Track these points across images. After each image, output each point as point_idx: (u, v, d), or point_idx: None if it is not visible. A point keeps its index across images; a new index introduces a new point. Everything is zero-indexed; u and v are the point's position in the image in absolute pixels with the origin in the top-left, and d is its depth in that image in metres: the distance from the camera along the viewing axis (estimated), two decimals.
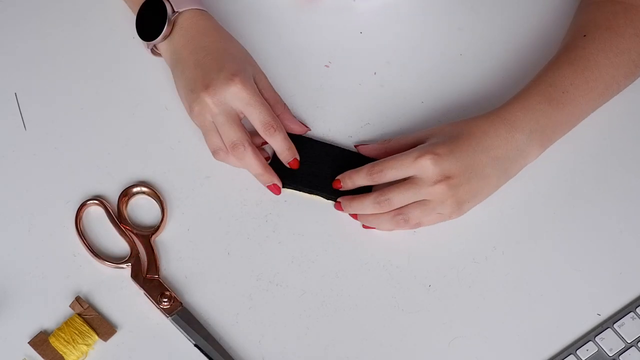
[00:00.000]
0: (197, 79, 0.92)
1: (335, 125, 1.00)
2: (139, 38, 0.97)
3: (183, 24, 0.95)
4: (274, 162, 0.96)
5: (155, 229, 0.93)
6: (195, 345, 0.88)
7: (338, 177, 0.94)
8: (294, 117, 0.98)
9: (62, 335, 0.87)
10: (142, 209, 0.95)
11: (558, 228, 0.95)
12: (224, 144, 0.93)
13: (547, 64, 0.96)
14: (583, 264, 0.94)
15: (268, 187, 0.94)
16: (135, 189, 0.95)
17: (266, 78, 0.97)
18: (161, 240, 0.93)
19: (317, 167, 0.96)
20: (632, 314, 0.91)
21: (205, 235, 0.94)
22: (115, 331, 0.89)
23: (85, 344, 0.87)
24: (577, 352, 0.89)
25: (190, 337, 0.88)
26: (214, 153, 0.94)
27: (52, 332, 0.88)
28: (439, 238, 0.94)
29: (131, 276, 0.90)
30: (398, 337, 0.90)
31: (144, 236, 0.92)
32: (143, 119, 0.99)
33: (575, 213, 0.96)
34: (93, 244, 0.92)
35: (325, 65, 1.04)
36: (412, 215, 0.91)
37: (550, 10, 1.07)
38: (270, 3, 1.05)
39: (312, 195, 0.95)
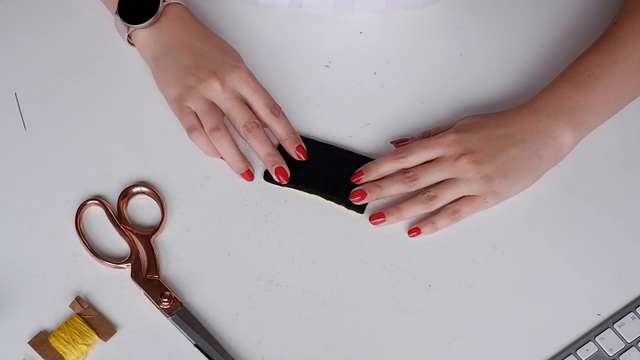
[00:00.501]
0: (200, 65, 0.94)
1: (335, 125, 1.00)
2: (117, 23, 0.98)
3: (172, 15, 0.96)
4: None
5: (155, 229, 0.93)
6: (195, 345, 0.88)
7: (359, 169, 0.93)
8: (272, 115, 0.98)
9: (62, 335, 0.87)
10: (142, 209, 0.95)
11: (558, 228, 0.95)
12: (224, 124, 0.94)
13: None
14: (583, 264, 0.94)
15: (276, 170, 0.94)
16: (135, 189, 0.95)
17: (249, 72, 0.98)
18: (161, 240, 0.93)
19: (318, 167, 0.96)
20: (632, 314, 0.91)
21: (205, 235, 0.94)
22: (115, 331, 0.89)
23: (85, 344, 0.87)
24: (577, 352, 0.89)
25: (190, 337, 0.88)
26: (213, 131, 0.93)
27: (52, 332, 0.88)
28: (439, 238, 0.94)
29: (131, 276, 0.90)
30: (398, 337, 0.90)
31: (144, 236, 0.92)
32: (143, 119, 0.99)
33: (575, 213, 0.96)
34: (93, 244, 0.92)
35: (325, 65, 1.04)
36: (439, 193, 0.91)
37: (550, 10, 1.07)
38: (270, 3, 1.05)
39: (312, 195, 0.95)
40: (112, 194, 0.95)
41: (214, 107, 0.94)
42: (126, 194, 0.94)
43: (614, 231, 0.95)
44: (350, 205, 0.94)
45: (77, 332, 0.87)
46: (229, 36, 1.03)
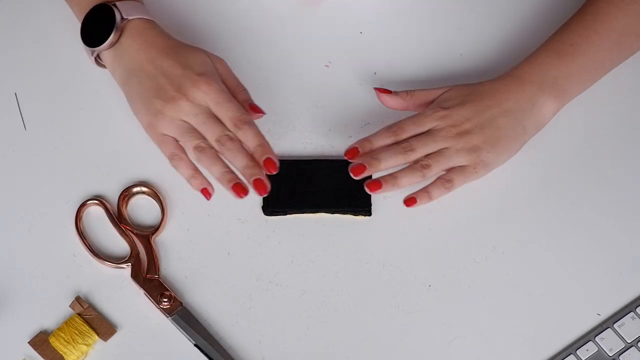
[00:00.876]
0: (163, 85, 0.90)
1: (335, 125, 1.00)
2: (83, 45, 0.94)
3: (132, 31, 0.93)
4: (272, 193, 0.93)
5: (155, 229, 0.93)
6: (195, 345, 0.88)
7: (353, 145, 0.91)
8: (253, 102, 0.94)
9: (62, 335, 0.87)
10: (142, 209, 0.95)
11: (558, 228, 0.95)
12: (206, 140, 0.89)
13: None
14: (583, 264, 0.94)
15: (254, 182, 0.88)
16: (135, 189, 0.95)
17: (226, 64, 0.94)
18: (161, 240, 0.93)
19: (313, 184, 0.95)
20: (632, 314, 0.91)
21: (205, 235, 0.94)
22: (115, 331, 0.89)
23: (85, 344, 0.87)
24: (577, 352, 0.89)
25: (190, 337, 0.88)
26: (197, 150, 0.89)
27: (52, 332, 0.88)
28: (439, 238, 0.94)
29: (131, 276, 0.90)
30: (398, 337, 0.90)
31: (144, 236, 0.92)
32: None
33: (575, 213, 0.96)
34: (93, 244, 0.92)
35: (325, 65, 1.04)
36: (432, 162, 0.90)
37: (551, 10, 1.07)
38: (270, 3, 1.05)
39: (318, 214, 0.95)
40: (112, 194, 0.95)
41: (189, 127, 0.90)
42: (126, 194, 0.94)
43: (614, 231, 0.95)
44: (356, 212, 0.94)
45: (77, 332, 0.87)
46: (229, 37, 1.03)
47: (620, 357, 0.90)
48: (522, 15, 1.07)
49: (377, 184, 0.91)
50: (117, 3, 0.93)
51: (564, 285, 0.92)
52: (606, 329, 0.91)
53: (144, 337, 0.89)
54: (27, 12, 1.05)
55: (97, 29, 0.93)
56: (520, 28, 1.07)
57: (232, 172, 0.89)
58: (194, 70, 0.90)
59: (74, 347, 0.87)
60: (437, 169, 0.91)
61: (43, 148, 0.97)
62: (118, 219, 0.93)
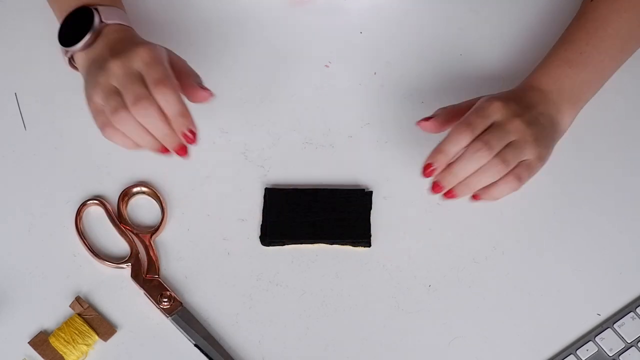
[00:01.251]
0: (108, 58, 0.86)
1: (335, 125, 1.00)
2: (59, 46, 0.92)
3: (108, 35, 0.90)
4: (270, 222, 0.93)
5: (155, 229, 0.93)
6: (196, 345, 0.88)
7: (428, 161, 0.86)
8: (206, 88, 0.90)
9: (62, 335, 0.87)
10: (142, 209, 0.95)
11: (558, 228, 0.95)
12: (121, 105, 0.84)
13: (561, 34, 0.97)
14: (583, 264, 0.94)
15: (175, 150, 0.85)
16: (135, 189, 0.95)
17: (179, 57, 0.91)
18: (161, 240, 0.93)
19: (311, 215, 0.94)
20: (632, 314, 0.91)
21: (205, 235, 0.94)
22: (115, 331, 0.89)
23: (85, 344, 0.87)
24: (577, 352, 0.89)
25: (190, 337, 0.88)
26: (114, 113, 0.84)
27: (52, 332, 0.88)
28: (439, 238, 0.94)
29: (131, 276, 0.90)
30: (398, 337, 0.90)
31: (143, 236, 0.92)
32: None
33: (575, 213, 0.96)
34: (93, 244, 0.92)
35: (325, 65, 1.04)
36: (508, 157, 0.86)
37: (551, 10, 1.07)
38: (269, 3, 1.05)
39: (315, 244, 0.94)
40: (112, 194, 0.95)
41: (113, 89, 0.85)
42: (126, 194, 0.95)
43: (614, 232, 0.95)
44: (356, 243, 0.94)
45: (77, 332, 0.87)
46: (228, 37, 1.03)
47: (620, 357, 0.90)
48: (522, 16, 1.07)
49: (451, 193, 0.87)
50: (99, 7, 0.91)
51: (564, 285, 0.92)
52: (606, 329, 0.91)
53: (144, 337, 0.89)
54: (28, 12, 1.05)
55: (74, 30, 0.91)
56: (520, 28, 1.07)
57: (148, 134, 0.85)
58: (139, 41, 0.88)
59: (74, 347, 0.87)
60: (512, 164, 0.87)
61: (43, 148, 0.97)
62: (118, 219, 0.93)
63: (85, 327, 0.87)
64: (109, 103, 0.84)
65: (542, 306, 0.92)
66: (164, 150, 0.85)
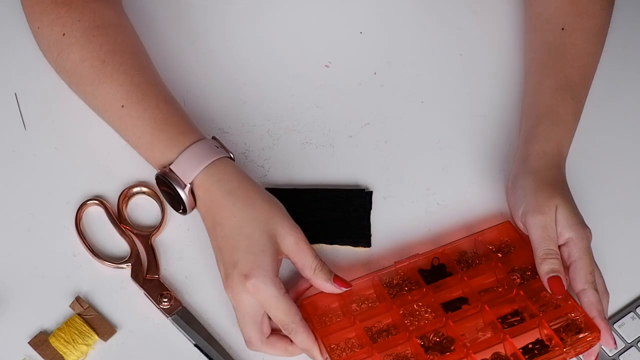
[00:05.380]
0: (220, 266, 0.86)
1: (335, 125, 1.00)
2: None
3: (199, 193, 0.87)
4: None
5: (155, 229, 0.93)
6: (196, 345, 0.88)
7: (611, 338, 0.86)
8: (329, 278, 0.86)
9: (62, 335, 0.87)
10: (142, 209, 0.95)
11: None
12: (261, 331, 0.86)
13: (533, 92, 0.98)
14: None
15: None
16: (135, 189, 0.95)
17: (296, 239, 0.86)
18: (161, 240, 0.93)
19: (312, 215, 0.94)
20: (632, 314, 0.91)
21: (206, 235, 0.93)
22: (115, 331, 0.89)
23: (85, 344, 0.87)
24: None
25: (190, 337, 0.88)
26: (250, 343, 0.87)
27: (52, 332, 0.88)
28: (439, 238, 0.94)
29: (131, 276, 0.90)
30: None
31: (143, 236, 0.92)
32: None
33: None
34: (93, 244, 0.92)
35: (325, 65, 1.04)
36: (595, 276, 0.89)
37: None
38: (269, 3, 1.05)
39: (316, 244, 0.93)
40: (112, 194, 0.95)
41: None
42: (126, 194, 0.94)
43: (614, 231, 0.95)
44: (356, 243, 0.93)
45: (77, 332, 0.87)
46: (228, 37, 1.03)
47: (620, 357, 0.90)
48: (522, 16, 1.07)
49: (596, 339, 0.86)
50: (172, 166, 0.87)
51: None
52: None
53: (144, 337, 0.89)
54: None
55: (171, 194, 0.89)
56: (520, 28, 1.07)
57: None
58: (242, 270, 0.84)
59: (74, 347, 0.87)
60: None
61: (43, 148, 0.97)
62: (118, 219, 0.93)
63: (85, 327, 0.87)
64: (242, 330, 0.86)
65: None
66: None
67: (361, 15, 1.06)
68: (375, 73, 1.03)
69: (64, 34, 0.91)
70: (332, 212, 0.94)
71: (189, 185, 0.87)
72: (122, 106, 0.90)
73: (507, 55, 1.05)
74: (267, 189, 0.94)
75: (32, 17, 0.94)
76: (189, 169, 0.87)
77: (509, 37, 1.06)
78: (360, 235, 0.93)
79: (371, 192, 0.96)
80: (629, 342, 0.90)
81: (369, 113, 1.01)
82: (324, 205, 0.94)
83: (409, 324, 0.86)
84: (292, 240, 0.85)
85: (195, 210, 0.89)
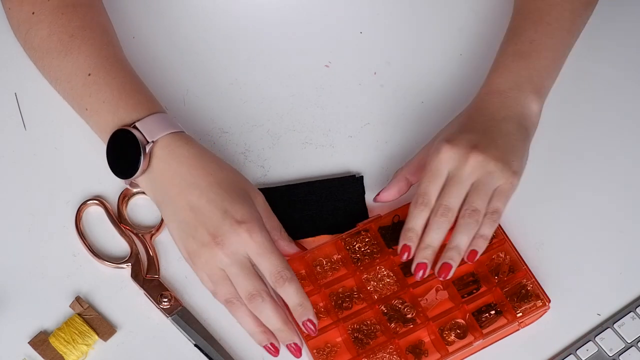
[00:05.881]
0: (198, 225, 0.84)
1: (336, 125, 1.00)
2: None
3: (161, 154, 0.87)
4: None
5: (155, 229, 0.93)
6: (196, 345, 0.88)
7: (402, 243, 0.86)
8: (291, 240, 0.90)
9: (62, 335, 0.87)
10: (142, 209, 0.95)
11: (558, 228, 0.95)
12: (238, 294, 0.85)
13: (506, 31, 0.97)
14: (583, 264, 0.94)
15: (287, 346, 0.85)
16: (135, 189, 0.95)
17: (263, 199, 0.89)
18: (162, 240, 0.93)
19: (309, 209, 0.94)
20: (632, 314, 0.91)
21: None
22: (115, 331, 0.89)
23: (85, 344, 0.87)
24: (577, 352, 0.89)
25: (190, 337, 0.88)
26: (227, 303, 0.86)
27: (52, 332, 0.88)
28: None
29: (131, 276, 0.90)
30: None
31: (143, 236, 0.92)
32: None
33: (575, 213, 0.96)
34: (93, 244, 0.92)
35: (325, 65, 1.04)
36: (476, 205, 0.85)
37: None
38: (269, 3, 1.05)
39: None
40: (112, 194, 0.95)
41: (222, 275, 0.85)
42: (126, 194, 0.94)
43: (614, 231, 0.95)
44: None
45: (77, 332, 0.87)
46: (228, 37, 1.03)
47: (620, 357, 0.90)
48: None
49: (447, 267, 0.85)
50: (138, 124, 0.88)
51: (564, 285, 0.92)
52: (606, 329, 0.91)
53: (144, 337, 0.89)
54: None
55: (123, 155, 0.88)
56: None
57: (264, 330, 0.86)
58: (234, 217, 0.84)
59: (74, 347, 0.87)
60: (483, 207, 0.86)
61: (43, 148, 0.97)
62: (118, 219, 0.93)
63: (85, 327, 0.87)
64: (221, 292, 0.85)
65: None
66: (275, 350, 0.86)
67: (361, 15, 1.06)
68: (375, 73, 1.03)
69: (33, 13, 0.93)
70: (328, 202, 0.94)
71: (151, 143, 0.87)
72: (89, 74, 0.91)
73: None
74: (260, 189, 0.93)
75: None
76: (155, 129, 0.88)
77: None
78: (359, 220, 0.93)
79: (362, 177, 0.96)
80: (629, 342, 0.90)
81: (369, 113, 1.01)
82: (318, 197, 0.95)
83: (371, 290, 0.90)
84: (262, 200, 0.88)
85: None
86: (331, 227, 0.93)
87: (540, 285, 0.89)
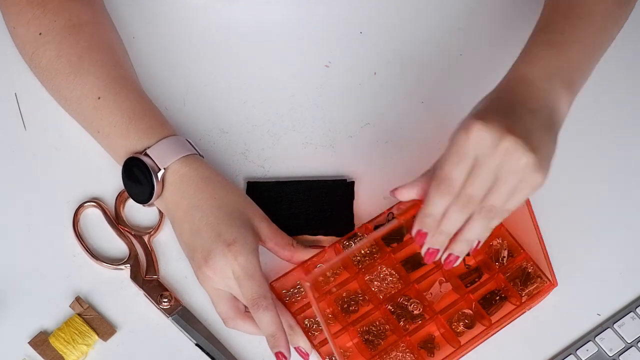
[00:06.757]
0: (196, 248, 0.86)
1: (335, 125, 1.00)
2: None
3: (172, 180, 0.89)
4: None
5: (153, 229, 0.93)
6: (197, 345, 0.88)
7: (417, 228, 0.81)
8: (306, 246, 0.90)
9: (62, 335, 0.87)
10: (140, 209, 0.95)
11: (558, 228, 0.95)
12: (237, 307, 0.87)
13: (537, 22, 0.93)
14: (583, 264, 0.94)
15: (275, 353, 0.85)
16: None
17: (268, 223, 0.89)
18: (162, 240, 0.93)
19: (294, 207, 0.94)
20: (632, 314, 0.91)
21: None
22: (115, 331, 0.89)
23: (85, 344, 0.87)
24: (577, 352, 0.89)
25: (191, 336, 0.88)
26: (225, 321, 0.88)
27: (52, 332, 0.88)
28: None
29: (130, 277, 0.90)
30: None
31: (142, 237, 0.92)
32: None
33: (575, 212, 0.96)
34: (92, 246, 0.92)
35: (325, 65, 1.04)
36: (497, 200, 0.79)
37: None
38: (269, 3, 1.05)
39: (300, 236, 0.93)
40: (110, 195, 0.95)
41: (220, 294, 0.87)
42: (124, 195, 0.94)
43: (614, 231, 0.95)
44: (339, 233, 0.93)
45: (77, 332, 0.87)
46: (228, 37, 1.03)
47: (620, 357, 0.90)
48: (521, 16, 1.07)
49: (452, 258, 0.83)
50: (149, 150, 0.88)
51: (564, 285, 0.92)
52: (606, 329, 0.91)
53: (144, 337, 0.89)
54: None
55: (137, 180, 0.89)
56: (519, 28, 1.07)
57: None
58: (226, 239, 0.85)
59: (74, 347, 0.87)
60: (503, 203, 0.80)
61: (43, 148, 0.97)
62: (116, 220, 0.93)
63: (85, 327, 0.87)
64: (216, 308, 0.88)
65: (543, 306, 0.91)
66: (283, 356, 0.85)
67: (361, 15, 1.06)
68: (375, 73, 1.03)
69: (40, 33, 0.92)
70: (315, 203, 0.94)
71: (163, 170, 0.88)
72: (99, 97, 0.91)
73: (507, 55, 1.05)
74: (249, 182, 0.93)
75: (8, 17, 0.95)
76: (166, 155, 0.88)
77: (508, 37, 1.06)
78: (344, 225, 0.93)
79: (353, 182, 0.96)
80: (629, 342, 0.90)
81: (369, 113, 1.01)
82: (306, 197, 0.95)
83: (376, 290, 0.90)
84: (266, 225, 0.89)
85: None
86: (314, 229, 0.93)
87: (539, 267, 0.90)
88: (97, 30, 0.94)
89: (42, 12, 0.92)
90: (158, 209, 0.93)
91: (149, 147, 0.89)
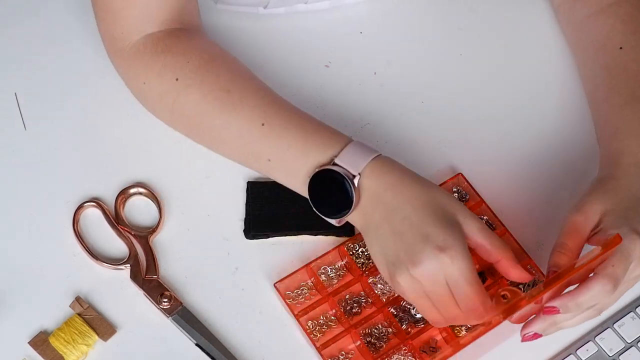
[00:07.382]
0: (399, 251, 0.80)
1: (336, 125, 1.00)
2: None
3: (367, 185, 0.83)
4: (254, 215, 0.93)
5: (153, 229, 0.93)
6: (197, 345, 0.88)
7: (554, 304, 0.81)
8: (516, 262, 0.84)
9: (62, 335, 0.87)
10: (140, 209, 0.95)
11: (557, 227, 0.95)
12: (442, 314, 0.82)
13: (603, 115, 0.94)
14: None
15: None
16: (132, 190, 0.95)
17: (477, 222, 0.82)
18: (162, 240, 0.93)
19: (294, 206, 0.93)
20: (632, 314, 0.91)
21: (205, 235, 0.94)
22: (115, 331, 0.89)
23: (85, 344, 0.87)
24: (577, 352, 0.89)
25: (191, 336, 0.88)
26: (435, 324, 0.84)
27: (52, 332, 0.88)
28: None
29: (130, 277, 0.90)
30: None
31: (142, 237, 0.92)
32: (141, 119, 0.99)
33: None
34: (92, 246, 0.92)
35: (325, 65, 1.04)
36: (608, 306, 0.83)
37: (550, 10, 1.07)
38: (270, 3, 1.05)
39: (300, 235, 0.94)
40: (110, 195, 0.95)
41: (423, 295, 0.81)
42: (123, 195, 0.94)
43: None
44: (339, 233, 0.93)
45: (77, 332, 0.87)
46: (228, 39, 1.03)
47: (620, 357, 0.90)
48: (521, 16, 1.07)
49: (535, 337, 0.84)
50: (337, 159, 0.84)
51: None
52: (606, 329, 0.91)
53: (144, 337, 0.89)
54: (28, 12, 1.05)
55: (329, 194, 0.84)
56: (519, 28, 1.07)
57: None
58: (436, 242, 0.79)
59: (74, 347, 0.87)
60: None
61: (43, 148, 0.97)
62: (115, 220, 0.93)
63: (85, 327, 0.87)
64: (418, 303, 0.82)
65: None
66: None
67: (361, 15, 1.06)
68: (375, 73, 1.03)
69: (177, 79, 0.88)
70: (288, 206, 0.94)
71: (358, 176, 0.83)
72: (262, 124, 0.87)
73: (507, 55, 1.05)
74: (249, 182, 0.93)
75: (134, 74, 0.91)
76: (358, 160, 0.84)
77: (508, 36, 1.06)
78: (343, 225, 0.93)
79: None
80: (629, 342, 0.90)
81: (369, 113, 1.01)
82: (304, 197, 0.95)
83: (379, 292, 0.90)
84: (475, 223, 0.82)
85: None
86: (316, 229, 0.93)
87: (542, 272, 0.89)
88: (230, 61, 0.91)
89: (171, 58, 0.89)
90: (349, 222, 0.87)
91: (335, 157, 0.85)
